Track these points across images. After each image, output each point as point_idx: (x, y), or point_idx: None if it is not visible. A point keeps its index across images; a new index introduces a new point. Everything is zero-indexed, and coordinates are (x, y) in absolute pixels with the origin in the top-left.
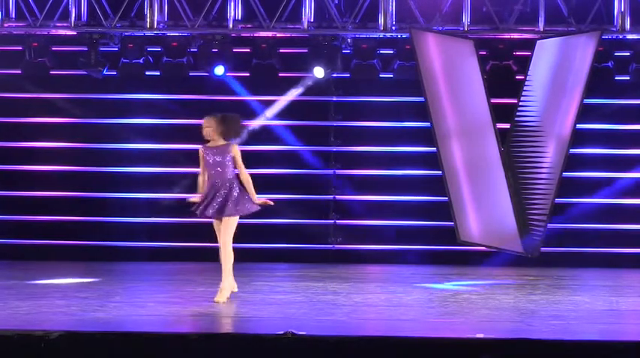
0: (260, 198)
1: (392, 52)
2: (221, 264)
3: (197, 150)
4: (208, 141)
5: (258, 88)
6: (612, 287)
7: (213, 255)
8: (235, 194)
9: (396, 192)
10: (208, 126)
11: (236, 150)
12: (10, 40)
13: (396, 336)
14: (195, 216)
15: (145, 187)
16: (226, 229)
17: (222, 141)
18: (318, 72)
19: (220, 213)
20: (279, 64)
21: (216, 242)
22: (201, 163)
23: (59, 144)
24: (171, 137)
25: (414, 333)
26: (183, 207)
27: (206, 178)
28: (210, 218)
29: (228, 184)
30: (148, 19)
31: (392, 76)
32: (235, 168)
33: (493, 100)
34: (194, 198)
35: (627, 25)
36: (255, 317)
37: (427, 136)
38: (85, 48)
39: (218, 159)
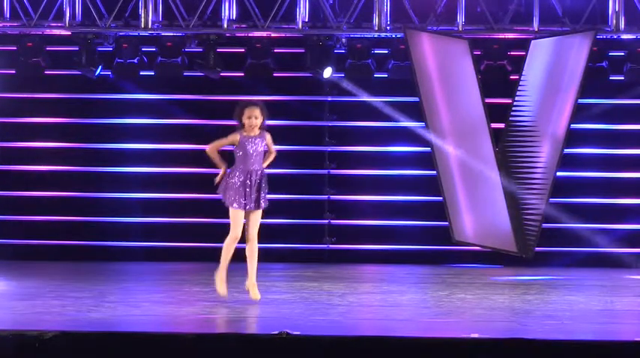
0: None
1: (386, 51)
2: (247, 260)
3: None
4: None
5: (253, 87)
6: (607, 287)
7: (210, 255)
8: (264, 185)
9: (390, 191)
10: (257, 117)
11: (270, 137)
12: (5, 39)
13: (390, 336)
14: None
15: (140, 187)
16: (258, 223)
17: (258, 131)
18: (327, 72)
19: (258, 206)
20: (274, 64)
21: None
22: (227, 142)
23: (53, 144)
24: (166, 137)
25: (408, 333)
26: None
27: (218, 160)
28: (246, 209)
29: (260, 174)
30: (143, 19)
31: (386, 75)
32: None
33: (487, 100)
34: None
35: (622, 25)
36: (249, 316)
37: (421, 136)
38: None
39: (259, 149)
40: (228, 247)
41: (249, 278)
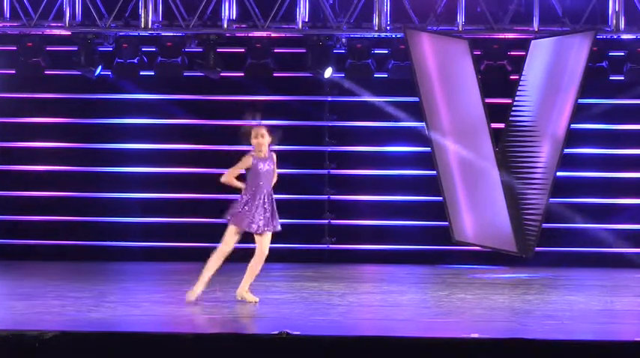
0: None
1: (386, 51)
2: (248, 270)
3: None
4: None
5: (253, 87)
6: (607, 287)
7: (210, 255)
8: (274, 207)
9: (390, 191)
10: (264, 136)
11: (276, 158)
12: (5, 39)
13: (390, 336)
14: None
15: (139, 187)
16: (268, 244)
17: (267, 152)
18: (328, 72)
19: (273, 227)
20: (274, 64)
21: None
22: (241, 167)
23: (53, 144)
24: (166, 137)
25: (408, 333)
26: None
27: (236, 182)
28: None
29: (271, 195)
30: (143, 19)
31: (386, 75)
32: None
33: (487, 100)
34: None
35: (622, 25)
36: (249, 316)
37: (421, 136)
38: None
39: (269, 169)
40: (214, 262)
41: (241, 286)
